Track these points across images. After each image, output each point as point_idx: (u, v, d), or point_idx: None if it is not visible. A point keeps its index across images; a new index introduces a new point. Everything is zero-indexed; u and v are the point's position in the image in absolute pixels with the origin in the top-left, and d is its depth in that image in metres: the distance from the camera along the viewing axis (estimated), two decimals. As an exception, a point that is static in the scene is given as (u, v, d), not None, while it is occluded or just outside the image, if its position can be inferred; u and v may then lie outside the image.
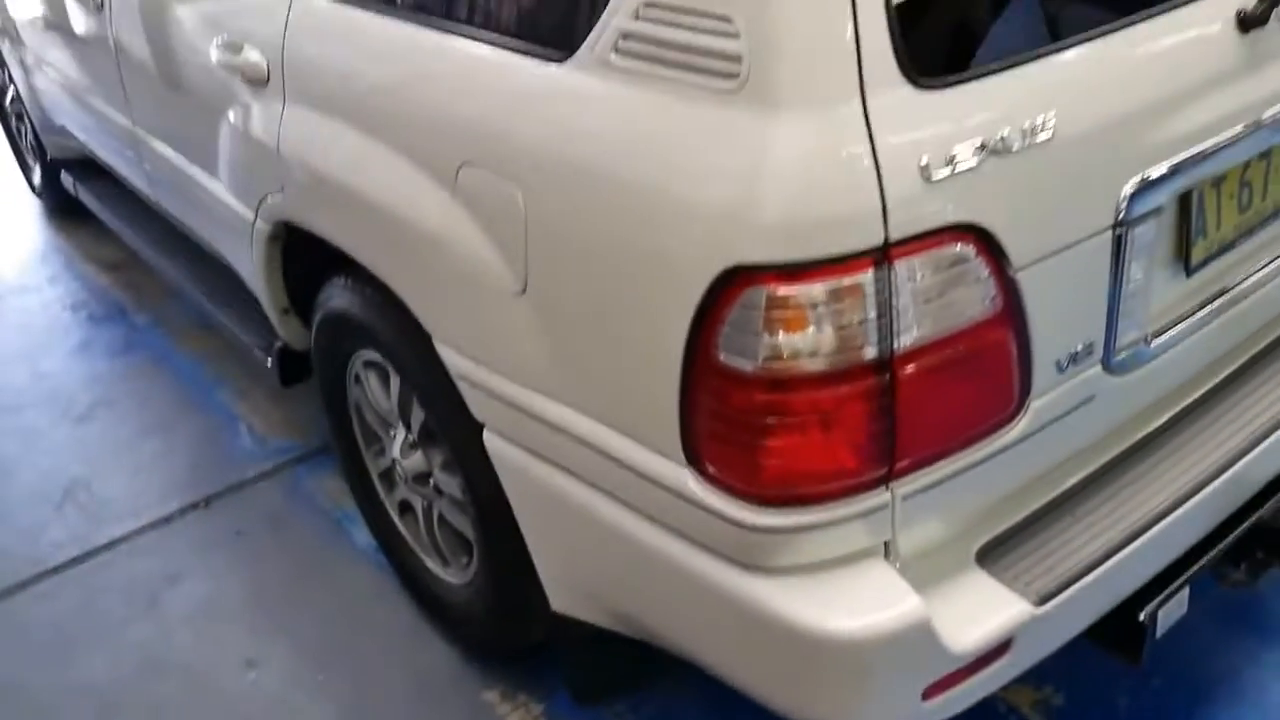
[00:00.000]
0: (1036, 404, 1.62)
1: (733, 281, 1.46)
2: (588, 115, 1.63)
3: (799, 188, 1.41)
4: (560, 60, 1.66)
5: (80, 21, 3.29)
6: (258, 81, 2.37)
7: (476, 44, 1.83)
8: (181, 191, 3.03)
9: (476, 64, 1.83)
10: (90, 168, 4.01)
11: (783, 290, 1.44)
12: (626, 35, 1.56)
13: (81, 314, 4.03)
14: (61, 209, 4.58)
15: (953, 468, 1.58)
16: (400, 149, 1.98)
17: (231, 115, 2.53)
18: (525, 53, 1.74)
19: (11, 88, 4.42)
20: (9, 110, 4.68)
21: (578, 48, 1.64)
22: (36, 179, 4.70)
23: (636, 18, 1.54)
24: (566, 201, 1.67)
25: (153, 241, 3.55)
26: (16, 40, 4.02)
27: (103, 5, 3.09)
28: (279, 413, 3.35)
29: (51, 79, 3.79)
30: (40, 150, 4.41)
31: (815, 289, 1.44)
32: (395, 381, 2.33)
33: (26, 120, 4.38)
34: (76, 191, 4.07)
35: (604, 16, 1.58)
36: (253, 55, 2.37)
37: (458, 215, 1.85)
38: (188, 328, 3.82)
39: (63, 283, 4.25)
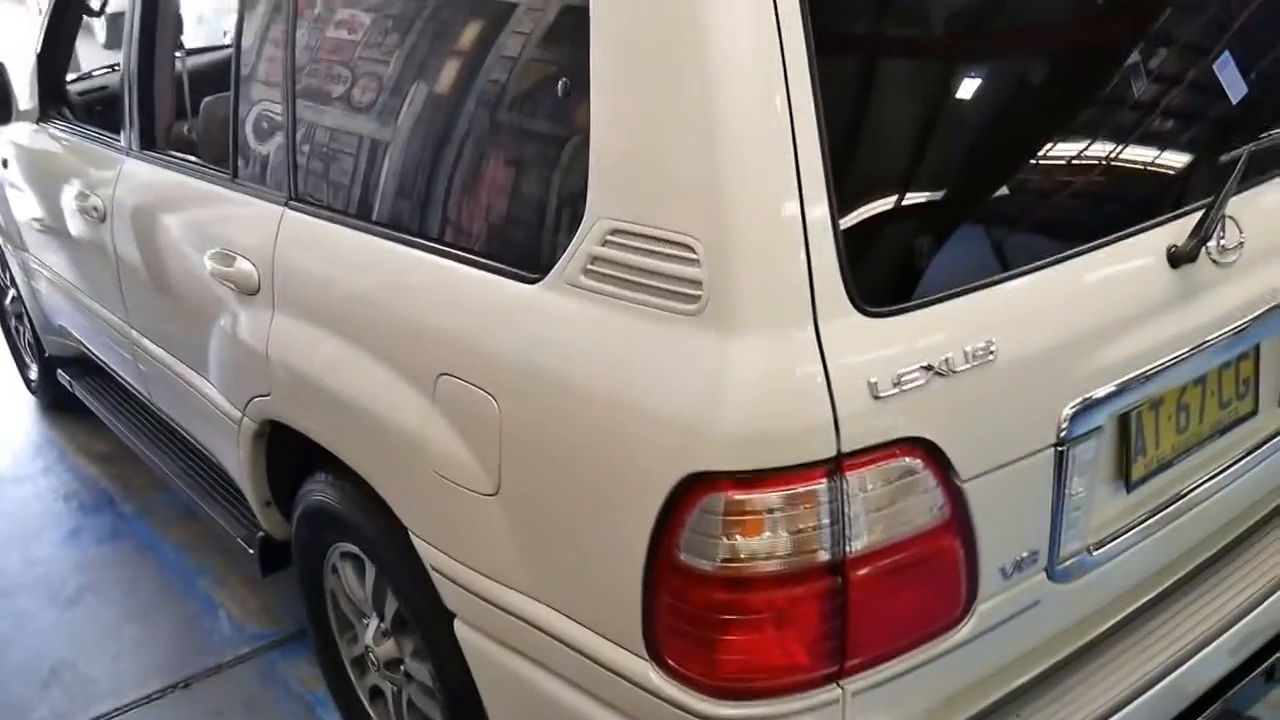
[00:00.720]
0: (983, 608, 1.62)
1: (693, 487, 1.47)
2: (560, 332, 1.66)
3: (756, 402, 1.44)
4: (533, 280, 1.70)
5: (82, 230, 3.33)
6: (248, 291, 2.39)
7: (455, 262, 1.87)
8: (173, 389, 3.03)
9: (455, 280, 1.87)
10: (85, 365, 4.01)
11: (740, 496, 1.45)
12: (595, 259, 1.59)
13: (73, 503, 3.97)
14: (56, 404, 4.56)
15: (901, 666, 1.57)
16: (382, 357, 2.00)
17: (223, 321, 2.55)
18: (500, 272, 1.77)
19: (12, 290, 4.43)
20: (8, 310, 4.69)
21: (549, 269, 1.67)
22: (33, 375, 4.68)
23: (604, 244, 1.58)
24: (539, 411, 1.68)
25: (143, 435, 3.53)
26: (19, 245, 4.06)
27: (105, 217, 3.13)
28: (255, 600, 3.30)
29: (52, 282, 3.82)
30: (38, 348, 4.41)
31: (771, 496, 1.45)
32: (371, 572, 2.31)
33: (25, 320, 4.39)
34: (72, 387, 4.06)
35: (574, 242, 1.62)
36: (244, 266, 2.41)
37: (436, 421, 1.86)
38: (172, 517, 3.77)
39: (55, 474, 4.21)
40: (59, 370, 4.18)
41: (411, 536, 2.01)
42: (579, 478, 1.63)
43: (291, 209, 2.32)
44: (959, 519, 1.54)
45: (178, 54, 3.19)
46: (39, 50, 3.75)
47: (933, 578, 1.57)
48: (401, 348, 1.96)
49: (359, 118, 2.17)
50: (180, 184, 2.84)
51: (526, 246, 1.76)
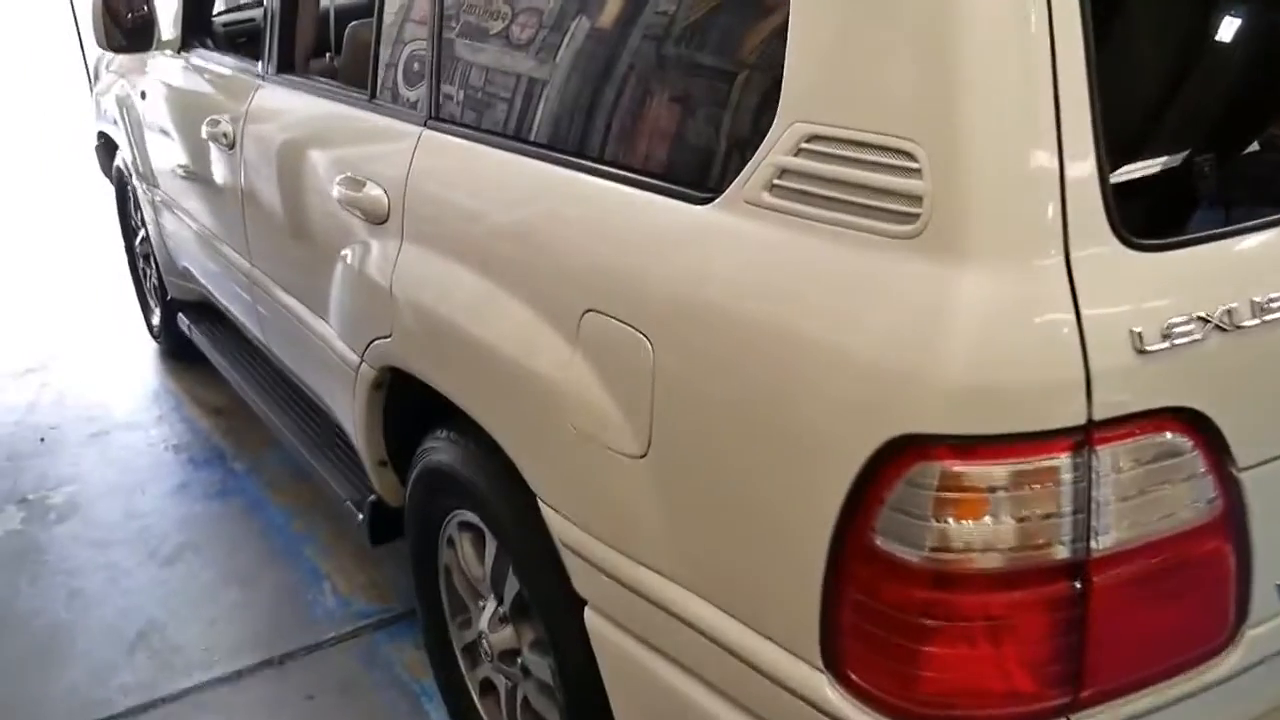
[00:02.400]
0: (1253, 634, 1.32)
1: (899, 455, 1.20)
2: (733, 260, 1.40)
3: (987, 350, 1.16)
4: (704, 200, 1.45)
5: (211, 161, 3.20)
6: (376, 219, 2.20)
7: (610, 182, 1.63)
8: (291, 335, 2.87)
9: (609, 203, 1.63)
10: (207, 311, 3.90)
11: (959, 468, 1.17)
12: (785, 172, 1.34)
13: (183, 456, 3.87)
14: (176, 352, 4.49)
15: (1146, 703, 1.28)
16: (520, 293, 1.77)
17: (346, 254, 2.36)
18: (664, 192, 1.53)
19: (142, 230, 4.37)
20: (138, 252, 4.63)
21: (725, 186, 1.42)
22: (156, 320, 4.62)
23: (798, 152, 1.32)
24: (702, 355, 1.43)
25: (258, 386, 3.39)
26: (151, 182, 3.97)
27: (234, 144, 2.98)
28: (364, 574, 3.11)
29: (179, 219, 3.72)
30: (162, 292, 4.33)
31: (998, 470, 1.17)
32: (492, 547, 2.08)
33: (153, 262, 4.31)
34: (190, 333, 3.96)
35: (759, 152, 1.37)
36: (374, 191, 2.21)
37: (578, 366, 1.62)
38: (283, 477, 3.63)
39: (169, 424, 4.12)
40: (179, 315, 4.08)
41: (540, 505, 1.78)
42: (749, 439, 1.37)
43: (430, 129, 2.11)
44: (1232, 517, 1.25)
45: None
46: (185, -25, 3.65)
47: (1195, 590, 1.27)
48: (544, 279, 1.73)
49: (512, 22, 1.95)
50: (312, 106, 2.67)
51: (697, 160, 1.52)
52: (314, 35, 2.97)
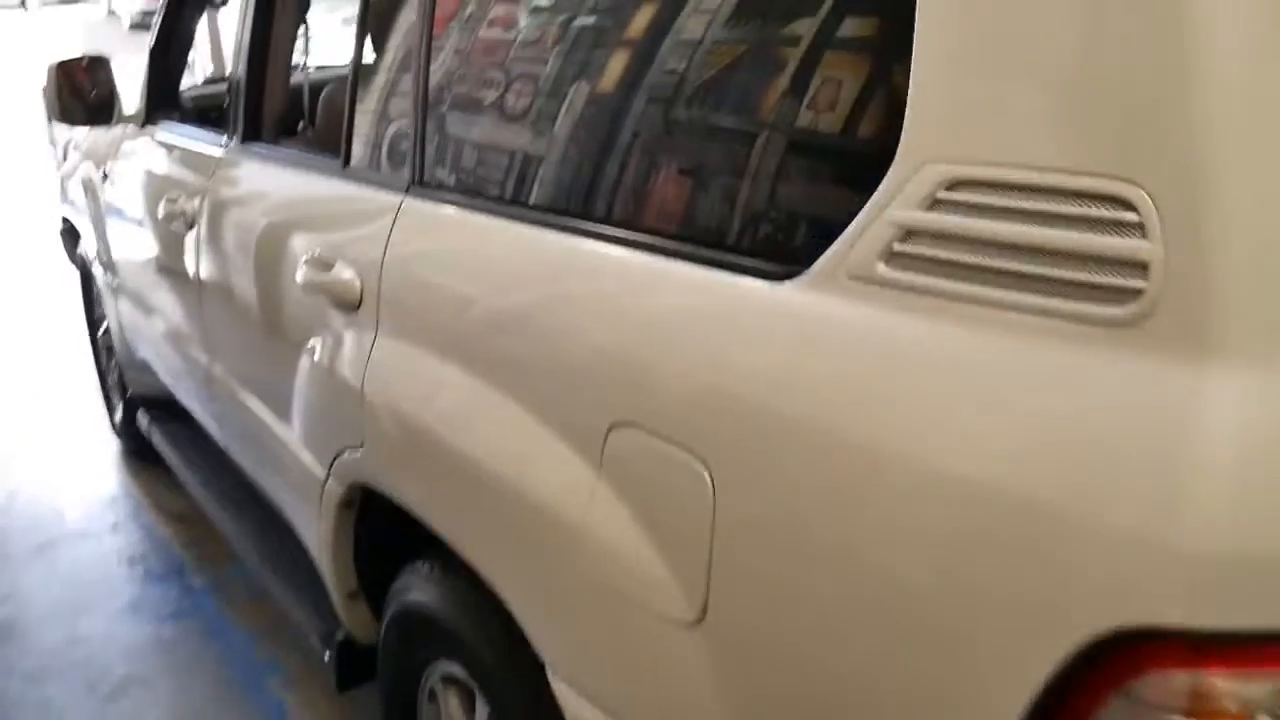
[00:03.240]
0: None
1: (1113, 657, 0.76)
2: (832, 360, 0.97)
3: (1256, 501, 0.72)
4: (784, 276, 1.02)
5: (168, 242, 2.78)
6: (347, 305, 1.76)
7: (649, 255, 1.20)
8: (251, 439, 2.41)
9: (648, 282, 1.20)
10: (169, 409, 3.43)
11: (1222, 681, 0.73)
12: (911, 233, 0.91)
13: (137, 569, 3.38)
14: (139, 451, 4.01)
15: None
16: (523, 399, 1.33)
17: (313, 348, 1.92)
18: (727, 266, 1.10)
19: (105, 321, 3.92)
20: (101, 344, 4.18)
21: (816, 256, 0.99)
22: (118, 417, 4.15)
23: (932, 205, 0.89)
24: (785, 491, 0.99)
25: (219, 495, 2.91)
26: (111, 268, 3.54)
27: (193, 223, 2.55)
28: (338, 712, 2.61)
29: (136, 308, 3.27)
30: (123, 387, 3.87)
31: (1269, 686, 0.73)
32: (484, 714, 1.61)
33: (115, 354, 3.86)
34: (149, 432, 3.48)
35: (869, 208, 0.94)
36: (344, 273, 1.78)
37: (603, 499, 1.18)
38: (246, 597, 3.14)
39: (125, 532, 3.63)
40: (139, 412, 3.61)
41: (551, 677, 1.32)
42: (857, 614, 0.92)
43: (413, 196, 1.68)
44: None
45: (299, 34, 2.61)
46: (152, 46, 3.23)
47: None
48: (556, 382, 1.29)
49: (516, 57, 1.53)
50: (277, 178, 2.25)
51: (773, 223, 1.09)
52: (285, 101, 2.55)
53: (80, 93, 3.34)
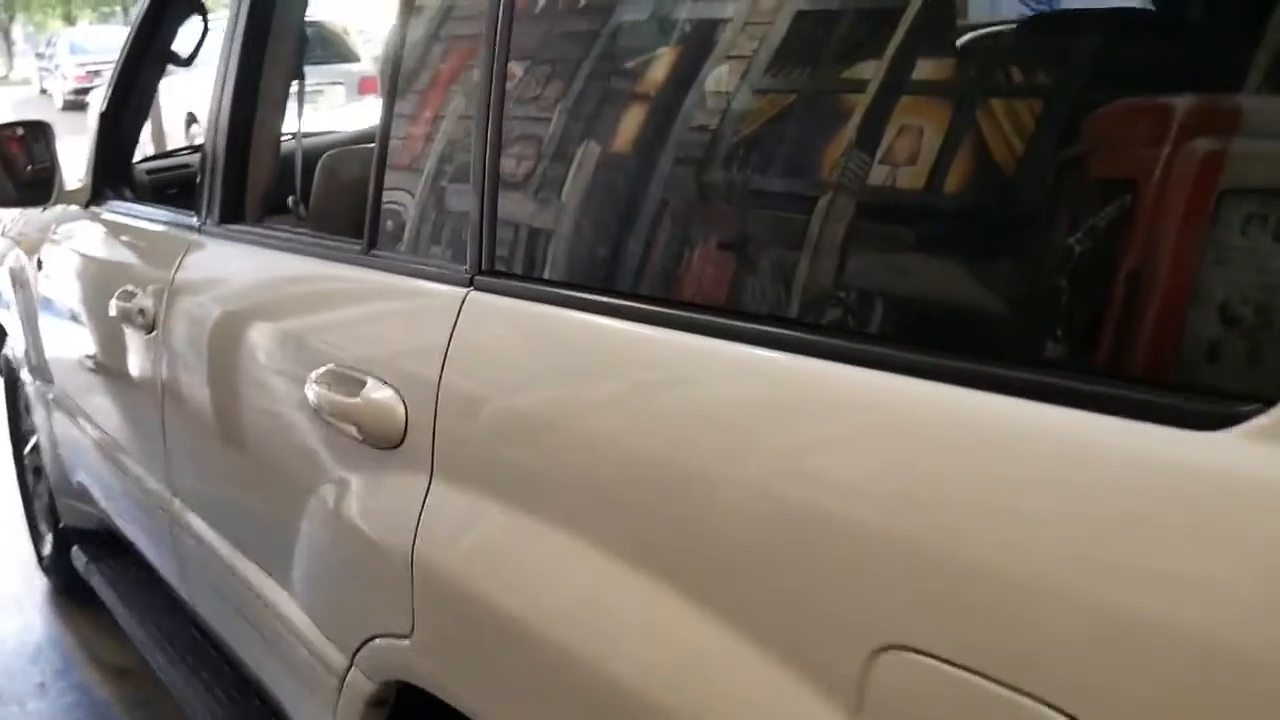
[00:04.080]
0: None
1: None
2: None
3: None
4: (1209, 423, 0.64)
5: (121, 346, 2.35)
6: (384, 438, 1.35)
7: (927, 382, 0.80)
8: (228, 600, 1.97)
9: (929, 414, 0.81)
10: (111, 545, 2.96)
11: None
12: None
13: (70, 743, 2.87)
14: (71, 590, 3.51)
15: None
16: (703, 593, 0.92)
17: (328, 494, 1.50)
18: (1069, 398, 0.73)
19: (34, 437, 3.46)
20: (28, 464, 3.71)
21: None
22: (47, 550, 3.66)
23: None
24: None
25: (174, 650, 2.44)
26: (44, 375, 3.10)
27: (154, 325, 2.13)
28: None
29: (76, 424, 2.82)
30: (54, 516, 3.39)
31: None
32: None
33: (45, 476, 3.39)
34: (88, 572, 3.02)
35: None
36: (380, 394, 1.37)
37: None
38: (209, 780, 2.63)
39: (53, 694, 3.13)
40: (75, 548, 3.14)
41: None
42: None
43: (481, 290, 1.28)
44: None
45: (291, 90, 2.23)
46: (103, 110, 2.83)
47: None
48: (755, 573, 0.88)
49: (639, 116, 1.15)
50: (272, 266, 1.85)
51: (1149, 329, 0.70)
52: (273, 173, 2.15)
53: (13, 166, 2.93)
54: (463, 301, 1.32)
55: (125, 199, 2.73)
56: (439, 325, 1.33)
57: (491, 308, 1.29)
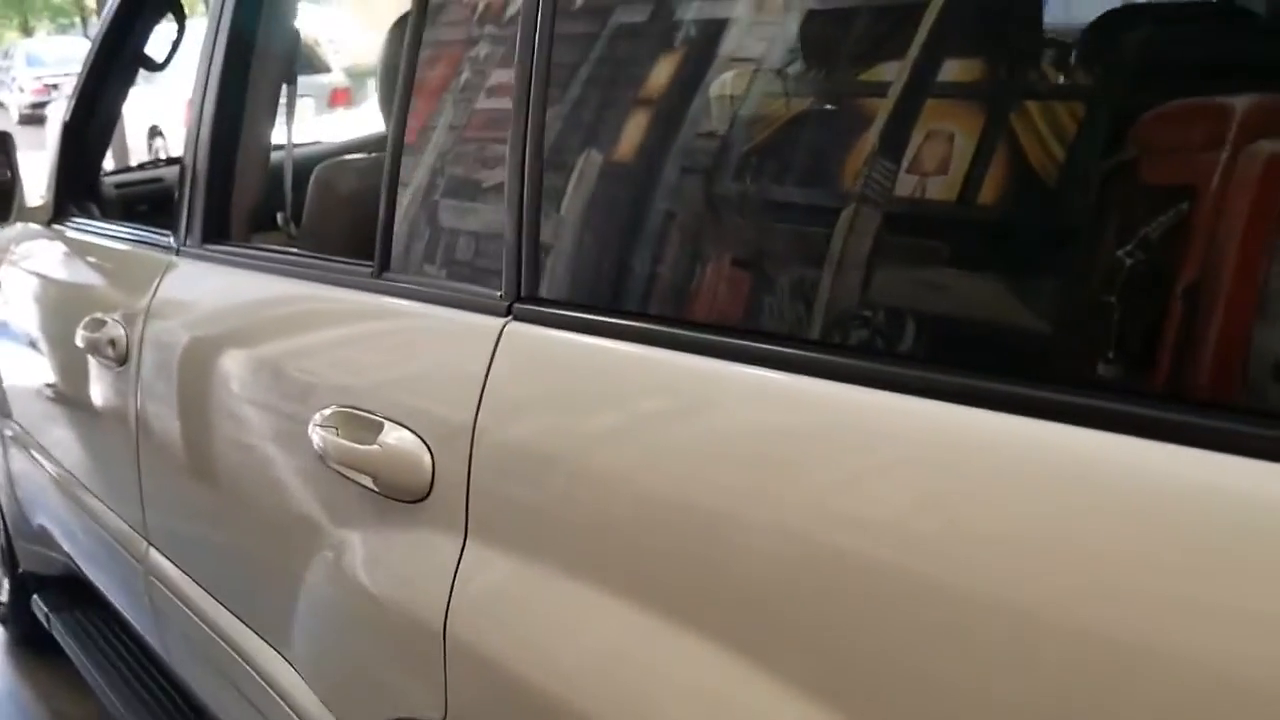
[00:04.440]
0: None
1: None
2: None
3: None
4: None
5: (88, 380, 2.18)
6: (407, 491, 1.20)
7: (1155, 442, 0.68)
8: (212, 660, 1.79)
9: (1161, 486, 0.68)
10: (75, 591, 2.77)
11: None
12: None
13: (29, 808, 2.68)
14: (30, 640, 3.30)
15: None
16: (818, 683, 0.78)
17: (337, 549, 1.35)
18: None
19: (-11, 473, 3.26)
20: (-18, 503, 3.50)
21: None
22: (3, 597, 3.46)
23: None
24: None
25: (148, 716, 2.26)
26: (2, 409, 2.90)
27: (126, 357, 1.96)
28: None
29: (35, 462, 2.63)
30: (11, 560, 3.20)
31: None
32: None
33: (1, 517, 3.20)
34: (50, 623, 2.83)
35: None
36: (398, 438, 1.22)
37: None
38: None
39: (9, 752, 2.93)
40: (35, 595, 2.95)
41: None
42: None
43: (523, 320, 1.12)
44: None
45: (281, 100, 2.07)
46: (68, 119, 2.65)
47: None
48: (854, 644, 0.76)
49: (707, 119, 1.01)
50: (263, 290, 1.68)
51: None
52: (261, 188, 1.99)
53: (-33, 181, 2.75)
54: (499, 333, 1.16)
55: (92, 216, 2.56)
56: (471, 361, 1.17)
57: (534, 340, 1.14)
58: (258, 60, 1.95)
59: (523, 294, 1.16)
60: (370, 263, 1.41)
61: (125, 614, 2.35)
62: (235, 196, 1.95)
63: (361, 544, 1.30)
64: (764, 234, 0.96)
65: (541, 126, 1.16)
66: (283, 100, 2.07)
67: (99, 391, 2.15)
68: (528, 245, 1.16)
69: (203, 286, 1.89)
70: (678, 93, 1.04)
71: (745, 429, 0.91)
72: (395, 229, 1.39)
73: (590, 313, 1.09)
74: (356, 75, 8.59)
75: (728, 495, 0.89)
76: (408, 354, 1.32)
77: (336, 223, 1.81)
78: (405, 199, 1.38)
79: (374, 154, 2.11)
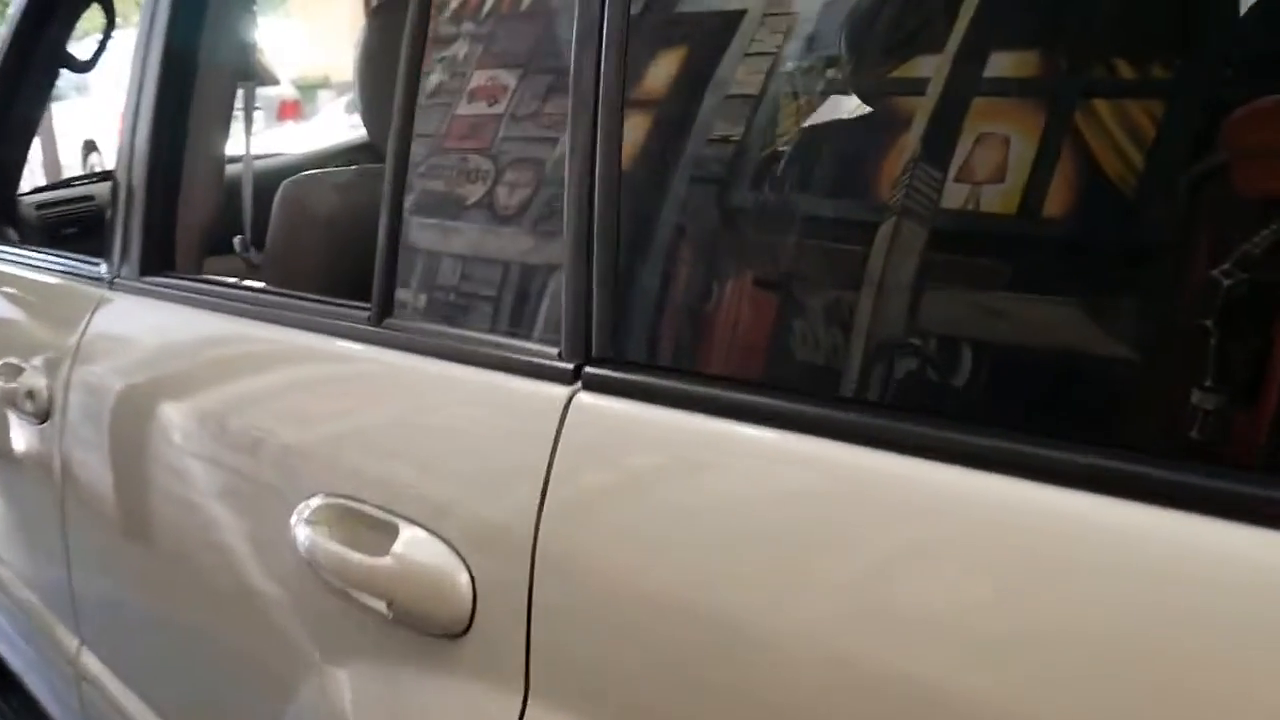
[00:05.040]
0: None
1: None
2: None
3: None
4: None
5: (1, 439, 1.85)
6: (435, 626, 0.91)
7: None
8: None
9: None
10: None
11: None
12: None
13: None
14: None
15: None
16: None
17: (330, 690, 1.04)
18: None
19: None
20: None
21: None
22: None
23: None
24: None
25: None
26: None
27: (48, 412, 1.65)
28: None
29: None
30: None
31: None
32: None
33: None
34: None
35: None
36: (424, 552, 0.92)
37: None
38: None
39: None
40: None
41: None
42: None
43: (597, 391, 0.84)
44: None
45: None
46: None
47: None
48: None
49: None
50: (224, 336, 1.39)
51: None
52: (211, 207, 1.69)
53: None
54: (565, 407, 0.86)
55: (7, 241, 2.26)
56: (526, 445, 0.88)
57: (616, 418, 0.84)
58: (206, 52, 1.66)
59: (594, 354, 0.87)
60: (365, 305, 1.11)
61: (50, 712, 2.03)
62: (181, 217, 1.65)
63: (368, 688, 1.00)
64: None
65: (618, 135, 0.87)
66: (239, 103, 1.77)
67: (15, 453, 1.84)
68: (603, 289, 0.86)
69: (142, 326, 1.60)
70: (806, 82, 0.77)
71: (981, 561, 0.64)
72: (400, 261, 1.09)
73: (697, 382, 0.80)
74: (306, 87, 8.26)
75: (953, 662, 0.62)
76: (429, 431, 1.02)
77: (312, 250, 1.52)
78: (415, 222, 1.08)
79: (357, 165, 1.82)
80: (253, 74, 1.78)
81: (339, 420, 1.13)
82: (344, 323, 1.15)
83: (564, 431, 0.85)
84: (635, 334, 0.87)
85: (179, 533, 1.37)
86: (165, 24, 1.62)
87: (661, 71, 0.87)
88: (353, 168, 1.83)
